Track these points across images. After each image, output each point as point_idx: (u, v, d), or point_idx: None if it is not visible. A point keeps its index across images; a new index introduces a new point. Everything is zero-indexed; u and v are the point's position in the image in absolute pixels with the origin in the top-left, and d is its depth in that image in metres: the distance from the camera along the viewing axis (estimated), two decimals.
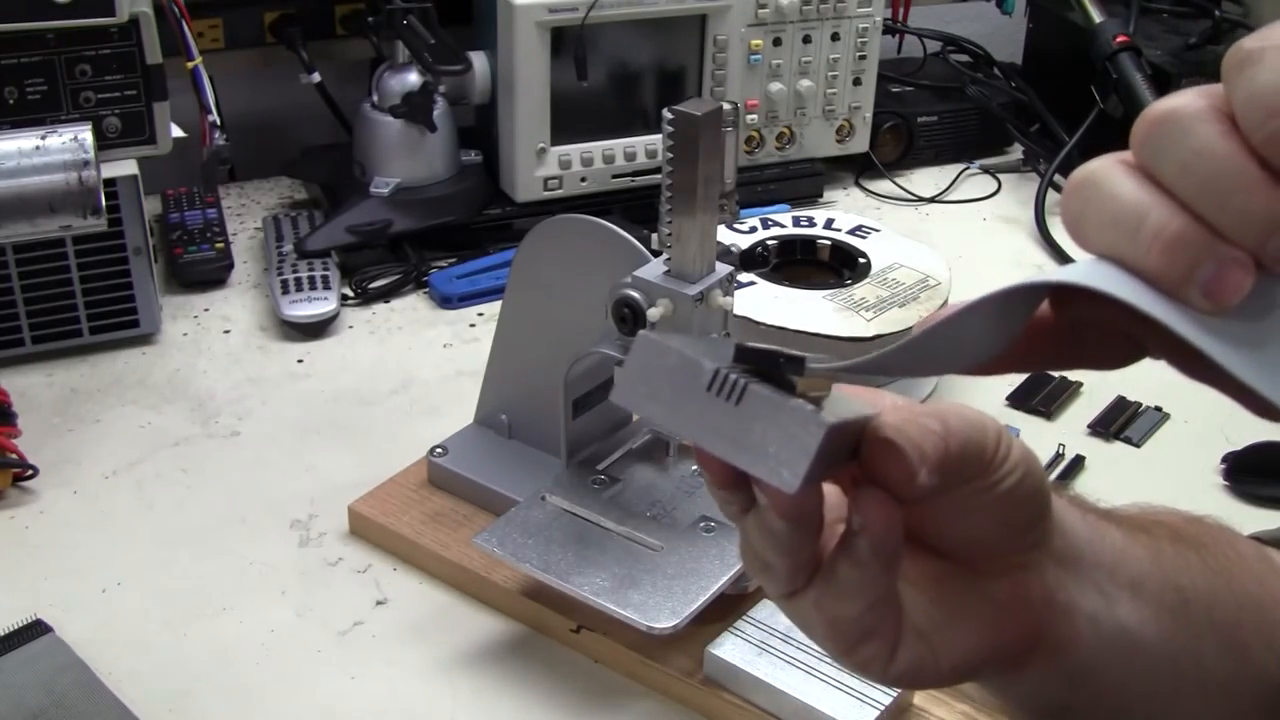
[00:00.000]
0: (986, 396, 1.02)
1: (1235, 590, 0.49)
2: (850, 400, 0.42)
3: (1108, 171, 0.38)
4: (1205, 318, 0.35)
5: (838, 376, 0.41)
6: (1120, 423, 0.99)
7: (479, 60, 1.21)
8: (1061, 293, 0.40)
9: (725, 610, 0.74)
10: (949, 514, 0.45)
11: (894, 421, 0.42)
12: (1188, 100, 0.36)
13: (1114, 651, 0.48)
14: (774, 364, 0.40)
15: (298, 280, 1.11)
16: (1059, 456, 0.94)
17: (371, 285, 1.15)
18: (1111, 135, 1.32)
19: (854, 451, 0.42)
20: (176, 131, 1.03)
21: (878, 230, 1.11)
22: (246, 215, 1.28)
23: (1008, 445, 0.44)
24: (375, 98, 1.20)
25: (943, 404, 0.45)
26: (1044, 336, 0.42)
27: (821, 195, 1.35)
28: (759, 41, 1.25)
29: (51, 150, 0.88)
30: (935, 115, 1.42)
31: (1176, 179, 0.36)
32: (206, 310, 1.12)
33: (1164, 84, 1.30)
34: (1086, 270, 0.36)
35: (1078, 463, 0.95)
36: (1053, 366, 0.45)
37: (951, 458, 0.42)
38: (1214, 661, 0.48)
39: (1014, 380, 1.03)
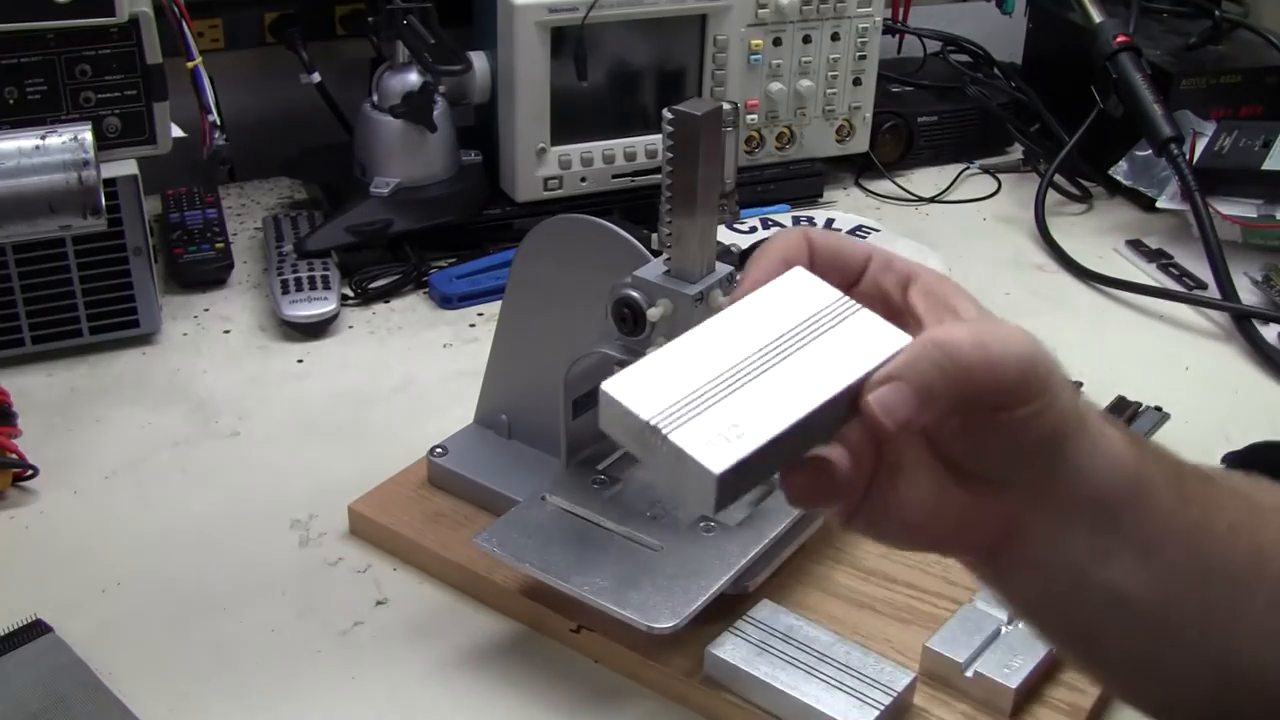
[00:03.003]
0: None
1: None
2: (874, 333, 0.48)
3: None
4: None
5: None
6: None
7: (479, 60, 1.21)
8: None
9: (725, 610, 0.74)
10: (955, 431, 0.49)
11: (897, 368, 0.46)
12: None
13: (1096, 603, 0.51)
14: None
15: (298, 280, 1.11)
16: None
17: (371, 285, 1.15)
18: (1111, 135, 1.33)
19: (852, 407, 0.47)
20: (176, 131, 1.03)
21: (878, 230, 1.11)
22: (246, 215, 1.28)
23: (1041, 383, 0.48)
24: (375, 98, 1.20)
25: (996, 328, 0.48)
26: None
27: (821, 195, 1.35)
28: (759, 41, 1.25)
29: (51, 150, 0.88)
30: (935, 115, 1.42)
31: None
32: (206, 310, 1.12)
33: (1164, 84, 1.30)
34: None
35: None
36: None
37: (964, 397, 0.46)
38: (1199, 638, 0.51)
39: None
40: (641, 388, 0.46)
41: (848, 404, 0.46)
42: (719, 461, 0.43)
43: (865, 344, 0.48)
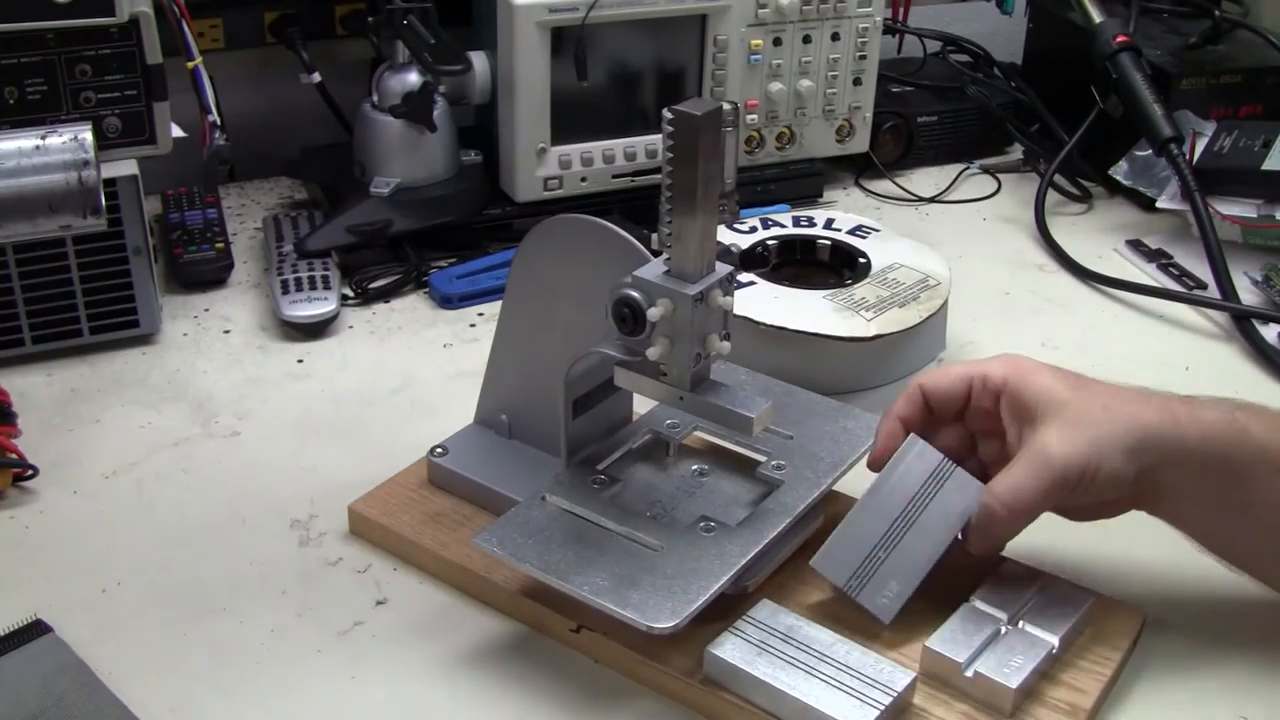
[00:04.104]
0: None
1: None
2: (965, 487, 0.77)
3: None
4: None
5: None
6: None
7: (479, 60, 1.21)
8: None
9: (725, 610, 0.74)
10: None
11: (977, 524, 0.75)
12: None
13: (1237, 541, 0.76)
14: None
15: (298, 280, 1.11)
16: None
17: (371, 285, 1.15)
18: (1111, 135, 1.33)
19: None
20: (176, 131, 1.03)
21: (878, 230, 1.11)
22: (246, 215, 1.28)
23: (1085, 484, 0.72)
24: (375, 98, 1.20)
25: (1027, 467, 0.73)
26: None
27: (821, 195, 1.35)
28: (759, 41, 1.25)
29: (51, 150, 0.88)
30: (935, 115, 1.43)
31: None
32: (206, 310, 1.12)
33: (1164, 84, 1.30)
34: None
35: None
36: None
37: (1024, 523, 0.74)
38: None
39: None
40: (834, 559, 0.76)
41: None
42: (887, 614, 0.75)
43: (961, 498, 0.76)
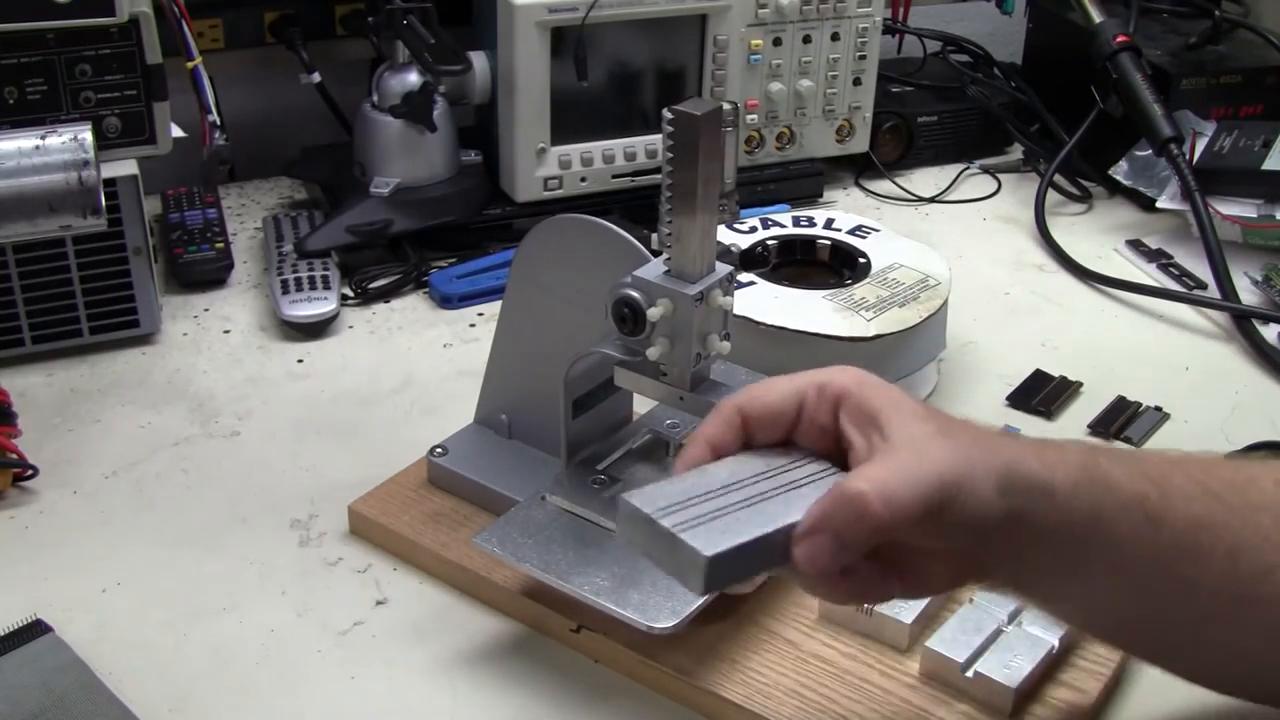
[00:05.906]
0: (987, 394, 1.02)
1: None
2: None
3: None
4: None
5: None
6: (1120, 423, 0.99)
7: (479, 60, 1.21)
8: None
9: (725, 610, 0.74)
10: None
11: (817, 521, 0.56)
12: None
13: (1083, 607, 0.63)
14: None
15: (298, 280, 1.11)
16: None
17: (371, 285, 1.15)
18: (1111, 135, 1.33)
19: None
20: (176, 131, 1.03)
21: (878, 230, 1.11)
22: (246, 215, 1.28)
23: (946, 509, 0.55)
24: (375, 98, 1.20)
25: (902, 464, 0.56)
26: None
27: (821, 195, 1.35)
28: (759, 41, 1.25)
29: (51, 150, 0.88)
30: (935, 115, 1.42)
31: None
32: (206, 310, 1.12)
33: (1164, 84, 1.30)
34: None
35: None
36: None
37: (876, 539, 0.56)
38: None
39: (1014, 380, 1.04)
40: (652, 497, 0.58)
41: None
42: (709, 548, 0.55)
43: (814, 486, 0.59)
